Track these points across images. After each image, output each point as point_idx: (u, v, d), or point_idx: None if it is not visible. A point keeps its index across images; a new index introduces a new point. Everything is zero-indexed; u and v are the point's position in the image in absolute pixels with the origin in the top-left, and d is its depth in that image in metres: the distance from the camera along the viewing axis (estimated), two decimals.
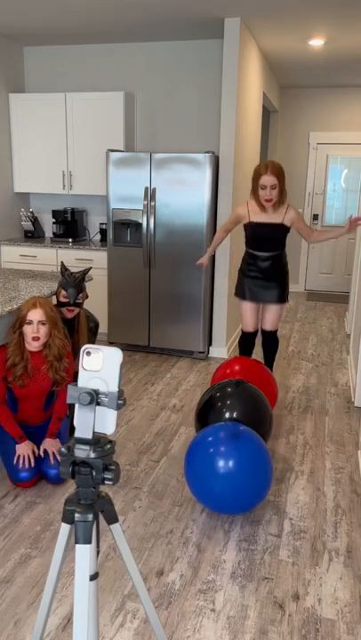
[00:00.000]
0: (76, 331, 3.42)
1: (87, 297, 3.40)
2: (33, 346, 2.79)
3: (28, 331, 2.76)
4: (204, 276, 4.77)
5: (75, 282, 3.28)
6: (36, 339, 2.76)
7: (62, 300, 3.29)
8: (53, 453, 2.90)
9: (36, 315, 2.75)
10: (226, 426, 2.69)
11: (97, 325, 3.65)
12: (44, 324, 2.78)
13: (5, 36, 5.17)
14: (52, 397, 3.06)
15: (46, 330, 2.79)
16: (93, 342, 3.54)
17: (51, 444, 2.92)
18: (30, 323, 2.75)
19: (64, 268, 3.32)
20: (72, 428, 3.31)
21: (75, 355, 3.29)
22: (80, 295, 3.31)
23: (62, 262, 3.39)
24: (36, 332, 2.75)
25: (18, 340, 2.80)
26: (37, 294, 3.26)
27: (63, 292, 3.28)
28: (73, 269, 5.22)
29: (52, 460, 2.87)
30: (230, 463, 2.50)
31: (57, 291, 3.33)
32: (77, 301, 3.31)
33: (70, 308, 3.30)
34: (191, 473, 2.61)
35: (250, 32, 4.80)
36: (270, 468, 2.62)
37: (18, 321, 2.79)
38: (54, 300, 3.42)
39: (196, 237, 4.70)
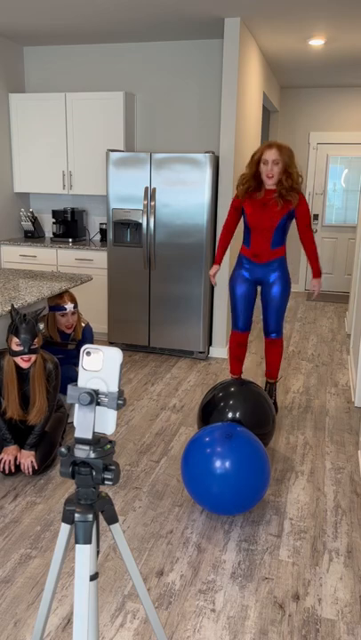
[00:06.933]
0: (29, 379, 2.95)
1: (41, 342, 2.98)
2: (267, 183, 3.39)
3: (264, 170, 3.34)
4: (204, 276, 4.77)
5: (28, 326, 2.82)
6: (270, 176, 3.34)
7: (15, 348, 2.84)
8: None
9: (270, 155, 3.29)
10: (220, 426, 2.69)
11: (57, 365, 3.05)
12: (276, 163, 3.28)
13: (5, 36, 5.17)
14: (280, 235, 3.46)
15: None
16: (56, 387, 3.04)
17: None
18: (266, 163, 3.31)
19: (14, 311, 2.85)
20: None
21: (25, 409, 3.01)
22: (35, 340, 2.86)
23: (12, 304, 2.91)
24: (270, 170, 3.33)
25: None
26: (37, 294, 3.26)
27: (15, 339, 2.83)
28: (73, 270, 5.21)
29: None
30: (224, 463, 2.50)
31: (7, 337, 2.86)
32: (33, 348, 2.85)
33: (26, 357, 2.86)
34: (187, 474, 2.62)
35: (250, 32, 4.80)
36: (268, 468, 2.62)
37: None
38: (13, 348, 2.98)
39: (196, 237, 4.70)
